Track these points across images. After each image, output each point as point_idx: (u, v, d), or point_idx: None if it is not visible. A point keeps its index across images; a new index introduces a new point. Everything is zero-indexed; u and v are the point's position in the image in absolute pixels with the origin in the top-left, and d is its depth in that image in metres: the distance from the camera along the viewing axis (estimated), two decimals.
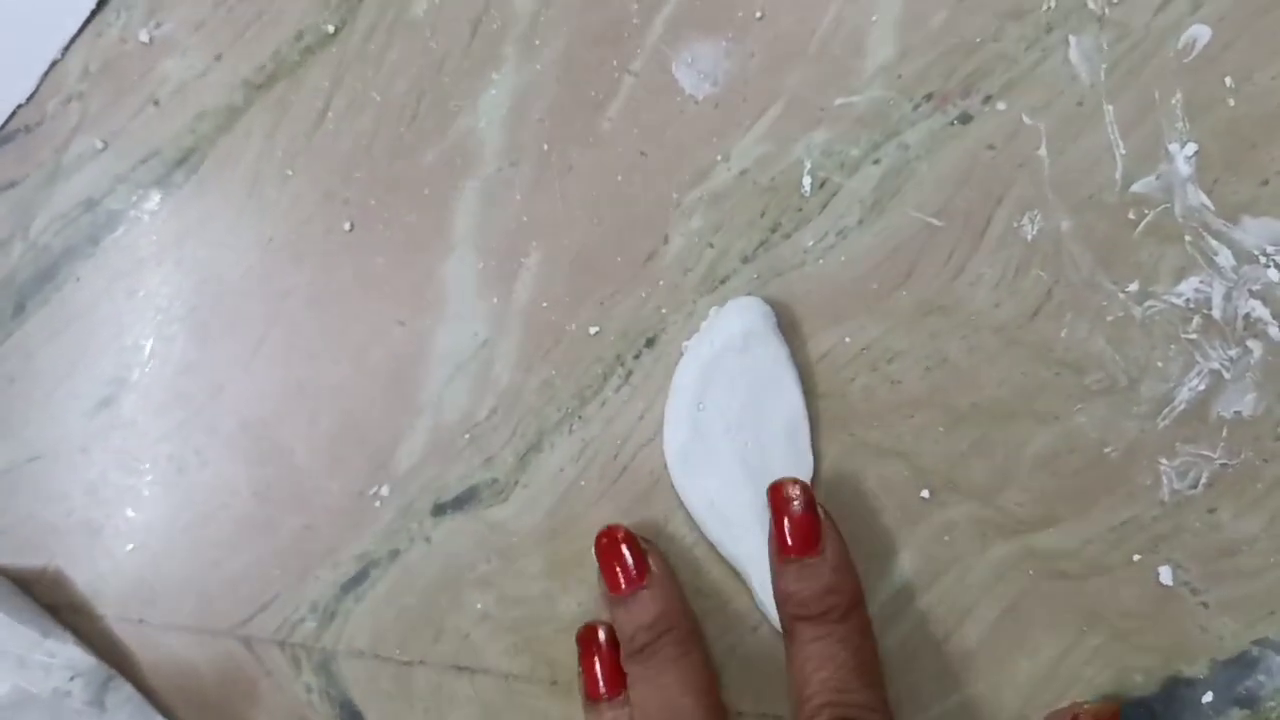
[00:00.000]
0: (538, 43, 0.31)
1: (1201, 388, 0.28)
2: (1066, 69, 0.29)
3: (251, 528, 0.33)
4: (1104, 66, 0.29)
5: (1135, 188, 0.29)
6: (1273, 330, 0.28)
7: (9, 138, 0.34)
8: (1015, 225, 0.29)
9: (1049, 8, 0.29)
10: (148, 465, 0.34)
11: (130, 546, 0.34)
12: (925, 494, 0.29)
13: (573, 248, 0.31)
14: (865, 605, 0.27)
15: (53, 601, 0.34)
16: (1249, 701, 0.28)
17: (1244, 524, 0.28)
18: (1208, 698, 0.28)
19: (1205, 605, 0.28)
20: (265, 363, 0.33)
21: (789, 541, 0.26)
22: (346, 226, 0.32)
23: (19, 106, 0.34)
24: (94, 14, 0.34)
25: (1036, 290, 0.29)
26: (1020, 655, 0.29)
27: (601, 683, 0.28)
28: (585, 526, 0.31)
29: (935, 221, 0.29)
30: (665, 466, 0.30)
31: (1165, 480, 0.28)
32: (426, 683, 0.32)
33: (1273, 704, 0.28)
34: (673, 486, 0.30)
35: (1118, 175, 0.29)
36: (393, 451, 0.32)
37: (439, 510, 0.32)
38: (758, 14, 0.30)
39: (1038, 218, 0.29)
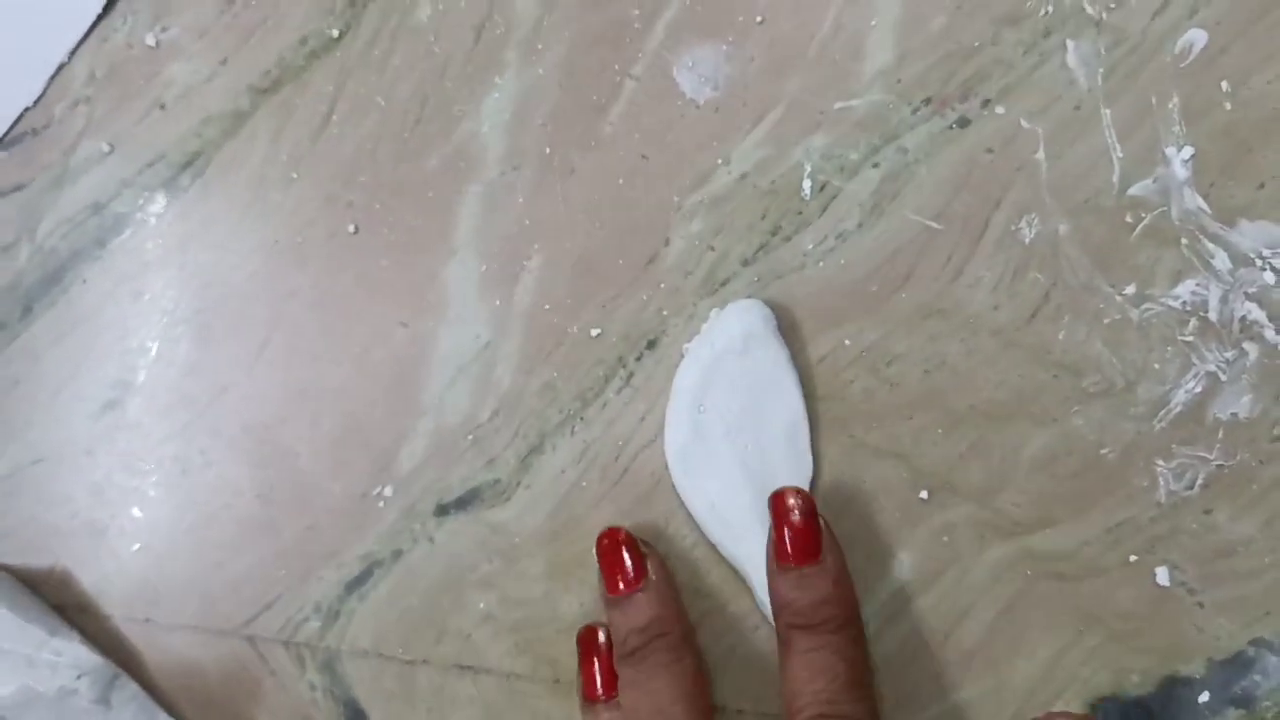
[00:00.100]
0: (540, 47, 0.31)
1: (1198, 390, 0.28)
2: (1064, 73, 0.29)
3: (255, 528, 0.33)
4: (1101, 71, 0.29)
5: (1132, 191, 0.28)
6: (1269, 333, 0.28)
7: (16, 141, 0.34)
8: (1013, 228, 0.29)
9: (1046, 12, 0.29)
10: (152, 466, 0.34)
11: (135, 547, 0.34)
12: (924, 495, 0.29)
13: (574, 251, 0.31)
14: (860, 618, 0.27)
15: (59, 601, 0.34)
16: (1245, 701, 0.28)
17: (1240, 525, 0.28)
18: (1204, 698, 0.28)
19: (1201, 606, 0.28)
20: (269, 365, 0.33)
21: (789, 550, 0.26)
22: (350, 229, 0.32)
23: (26, 110, 0.34)
24: (100, 18, 0.34)
25: (1034, 293, 0.29)
26: (1018, 656, 0.29)
27: (599, 684, 0.28)
28: (587, 528, 0.31)
29: (934, 224, 0.29)
30: (666, 468, 0.30)
31: (1162, 482, 0.28)
32: (429, 682, 0.32)
33: (1268, 704, 0.28)
34: (673, 488, 0.30)
35: (1115, 179, 0.29)
36: (395, 453, 0.32)
37: (441, 511, 0.32)
38: (758, 19, 0.30)
39: (1035, 221, 0.29)
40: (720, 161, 0.30)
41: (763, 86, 0.30)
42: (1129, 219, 0.28)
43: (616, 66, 0.31)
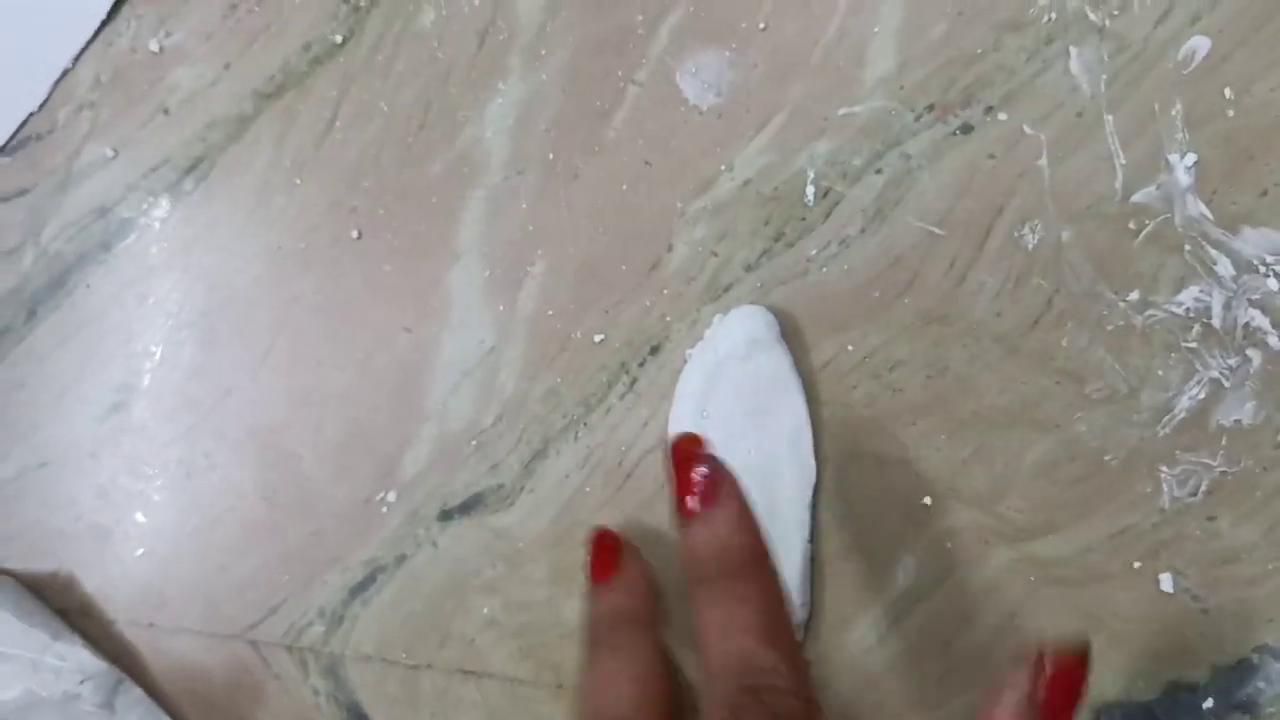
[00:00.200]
0: (544, 53, 0.31)
1: (1201, 396, 0.28)
2: (1067, 80, 0.28)
3: (259, 533, 0.33)
4: (1104, 77, 0.28)
5: (1135, 198, 0.28)
6: (1272, 339, 0.27)
7: (20, 146, 0.34)
8: (1016, 235, 0.29)
9: (1049, 19, 0.29)
10: (157, 470, 0.34)
11: (140, 551, 0.34)
12: (927, 501, 0.29)
13: (578, 256, 0.31)
14: (773, 570, 0.24)
15: (63, 605, 0.34)
16: (1249, 707, 0.27)
17: (1243, 531, 0.27)
18: (1208, 704, 0.28)
19: (1205, 612, 0.28)
20: (273, 369, 0.33)
21: (686, 498, 0.23)
22: (354, 234, 0.32)
23: (30, 115, 0.34)
24: (105, 24, 0.33)
25: (1037, 299, 0.29)
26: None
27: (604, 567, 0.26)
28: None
29: (937, 231, 0.29)
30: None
31: (1165, 488, 0.28)
32: (432, 687, 0.32)
33: (1272, 710, 0.27)
34: None
35: (1118, 185, 0.28)
36: (399, 458, 0.32)
37: (445, 516, 0.32)
38: (761, 25, 0.30)
39: (1038, 227, 0.29)
40: (723, 167, 0.30)
41: (766, 93, 0.30)
42: (1132, 225, 0.28)
43: (620, 72, 0.31)
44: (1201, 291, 0.28)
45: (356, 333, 0.32)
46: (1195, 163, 0.28)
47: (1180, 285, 0.28)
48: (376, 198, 0.32)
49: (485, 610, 0.31)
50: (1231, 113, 0.28)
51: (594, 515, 0.31)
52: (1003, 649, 0.29)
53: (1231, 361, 0.28)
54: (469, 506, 0.31)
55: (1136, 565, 0.28)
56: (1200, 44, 0.28)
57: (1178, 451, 0.28)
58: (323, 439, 0.32)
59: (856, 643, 0.29)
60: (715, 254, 0.30)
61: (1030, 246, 0.29)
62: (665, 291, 0.30)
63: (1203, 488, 0.28)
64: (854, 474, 0.29)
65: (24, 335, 0.34)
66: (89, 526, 0.34)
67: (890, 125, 0.29)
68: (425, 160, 0.32)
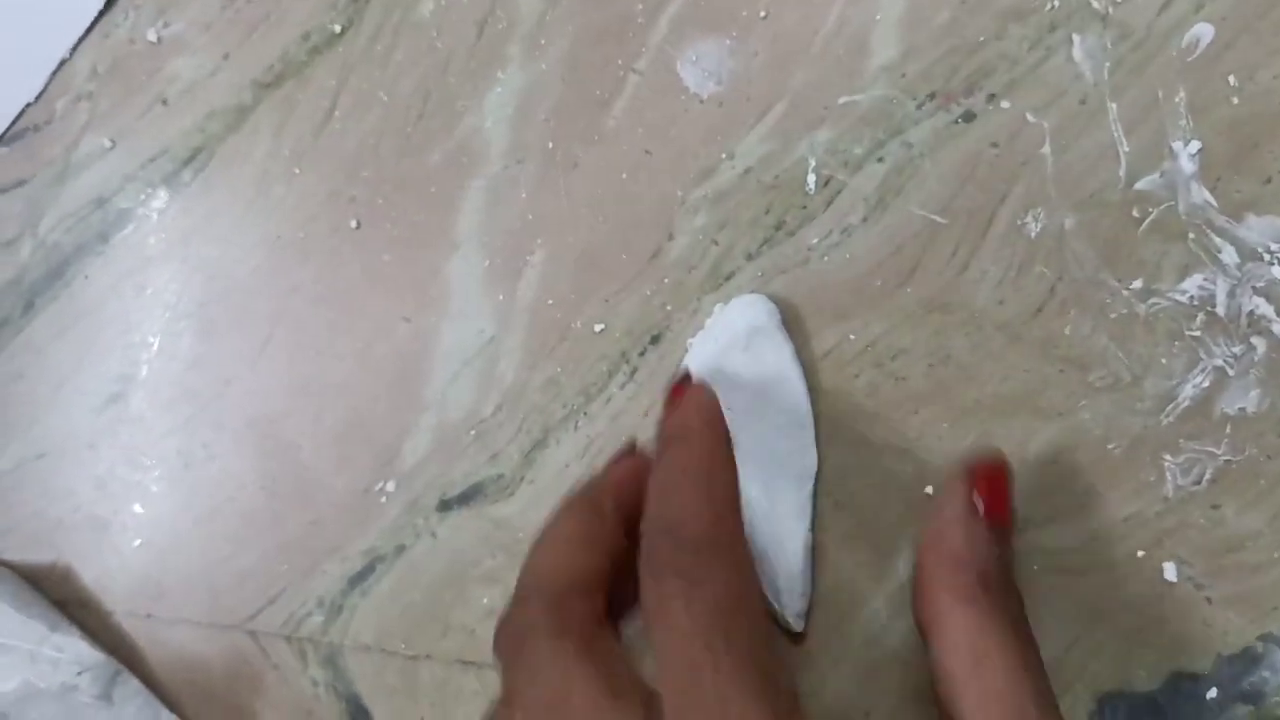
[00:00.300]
0: (543, 42, 0.30)
1: (1205, 384, 0.27)
2: (1070, 67, 0.28)
3: (258, 523, 0.32)
4: (1107, 65, 0.28)
5: (1139, 185, 0.28)
6: (1276, 327, 0.27)
7: (18, 136, 0.33)
8: (1019, 223, 0.28)
9: (1052, 7, 0.28)
10: (155, 461, 0.33)
11: (138, 542, 0.33)
12: (929, 490, 0.28)
13: (578, 245, 0.30)
14: (726, 450, 0.24)
15: (60, 597, 0.33)
16: (1254, 697, 0.27)
17: (1248, 520, 0.27)
18: (1212, 694, 0.27)
19: (1209, 601, 0.27)
20: (271, 359, 0.32)
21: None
22: (353, 224, 0.31)
23: (27, 105, 0.33)
24: (102, 14, 0.33)
25: (1040, 287, 0.28)
26: None
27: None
28: None
29: (939, 219, 0.28)
30: None
31: (1169, 476, 0.27)
32: (432, 678, 0.31)
33: (1277, 699, 0.27)
34: None
35: (1121, 173, 0.28)
36: (398, 448, 0.31)
37: (444, 506, 0.31)
38: (761, 13, 0.29)
39: (1041, 215, 0.28)
40: (724, 156, 0.30)
41: (766, 81, 0.29)
42: (1135, 213, 0.28)
43: (620, 61, 0.30)
44: (1205, 279, 0.27)
45: (356, 322, 0.31)
46: (1199, 150, 0.27)
47: (1184, 273, 0.27)
48: (375, 187, 0.31)
49: (485, 601, 0.30)
50: (1235, 100, 0.27)
51: None
52: None
53: (1236, 349, 0.27)
54: (468, 497, 0.31)
55: (1140, 554, 0.27)
56: (1204, 31, 0.27)
57: (1181, 440, 0.27)
58: (322, 429, 0.32)
59: (858, 632, 0.29)
60: (716, 243, 0.30)
61: (1033, 235, 0.28)
62: (666, 280, 0.30)
63: (1207, 476, 0.27)
64: (856, 463, 0.29)
65: (22, 327, 0.34)
66: (87, 518, 0.33)
67: (892, 113, 0.29)
68: (424, 150, 0.31)
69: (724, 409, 0.28)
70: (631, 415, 0.30)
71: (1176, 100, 0.27)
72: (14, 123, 0.33)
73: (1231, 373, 0.27)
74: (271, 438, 0.32)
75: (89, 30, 0.33)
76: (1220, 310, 0.27)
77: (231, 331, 0.32)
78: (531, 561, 0.23)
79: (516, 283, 0.31)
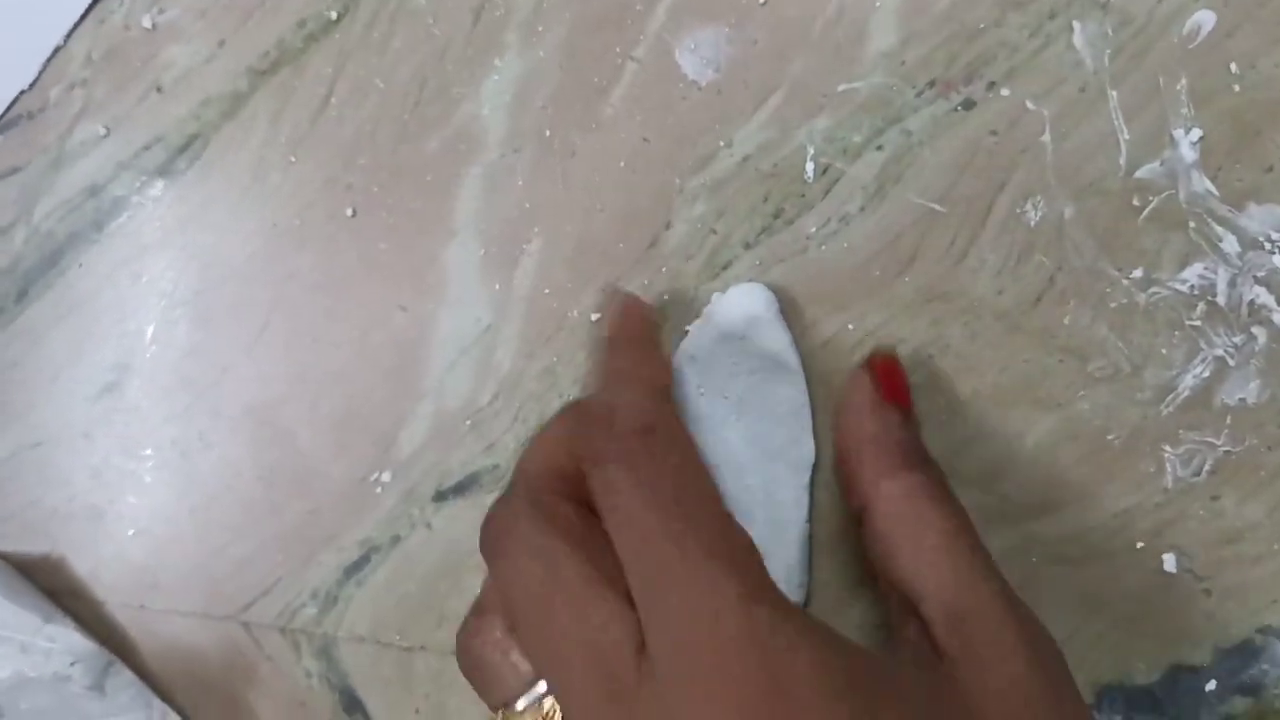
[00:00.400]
0: (540, 29, 0.30)
1: (1205, 375, 0.27)
2: (1070, 55, 0.27)
3: (254, 513, 0.32)
4: (1108, 52, 0.27)
5: (1139, 174, 0.27)
6: (1277, 317, 0.26)
7: (12, 124, 0.33)
8: (1018, 211, 0.28)
9: None
10: (151, 450, 0.32)
11: (132, 531, 0.32)
12: None
13: (575, 234, 0.30)
14: (655, 347, 0.26)
15: (54, 587, 0.32)
16: (1252, 690, 0.26)
17: (1248, 511, 0.26)
18: (1211, 686, 0.26)
19: (1208, 593, 0.27)
20: (268, 348, 0.32)
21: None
22: (349, 212, 0.31)
23: (21, 93, 0.32)
24: (97, 0, 0.32)
25: (1039, 277, 0.28)
26: None
27: None
28: None
29: (938, 208, 0.28)
30: None
31: (1169, 467, 0.27)
32: (427, 669, 0.31)
33: (1276, 692, 0.26)
34: None
35: (1121, 161, 0.27)
36: (395, 437, 0.31)
37: (440, 496, 0.31)
38: (760, 0, 0.29)
39: (1040, 204, 0.28)
40: (722, 144, 0.29)
41: (765, 69, 0.29)
42: (1136, 202, 0.27)
43: (618, 49, 0.30)
44: (1206, 269, 0.27)
45: (352, 310, 0.31)
46: (1200, 138, 0.27)
47: (1184, 262, 0.27)
48: (372, 175, 0.31)
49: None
50: (1237, 88, 0.27)
51: None
52: None
53: (1236, 339, 0.27)
54: (464, 487, 0.30)
55: (1139, 546, 0.27)
56: (1205, 18, 0.27)
57: (1181, 430, 0.27)
58: (318, 418, 0.31)
59: (856, 624, 0.28)
60: (714, 231, 0.29)
61: (1032, 223, 0.28)
62: (663, 269, 0.29)
63: (1206, 467, 0.27)
64: None
65: (16, 315, 0.33)
66: (82, 507, 0.33)
67: (891, 101, 0.28)
68: (421, 137, 0.31)
69: (720, 398, 0.28)
70: None
71: (1177, 88, 0.27)
72: (8, 110, 0.32)
73: (1232, 363, 0.27)
74: (267, 426, 0.32)
75: (84, 17, 0.32)
76: (1221, 300, 0.27)
77: (228, 320, 0.32)
78: (519, 464, 0.23)
79: (513, 271, 0.30)
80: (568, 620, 0.20)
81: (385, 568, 0.31)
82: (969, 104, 0.28)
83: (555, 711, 0.21)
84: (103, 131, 0.32)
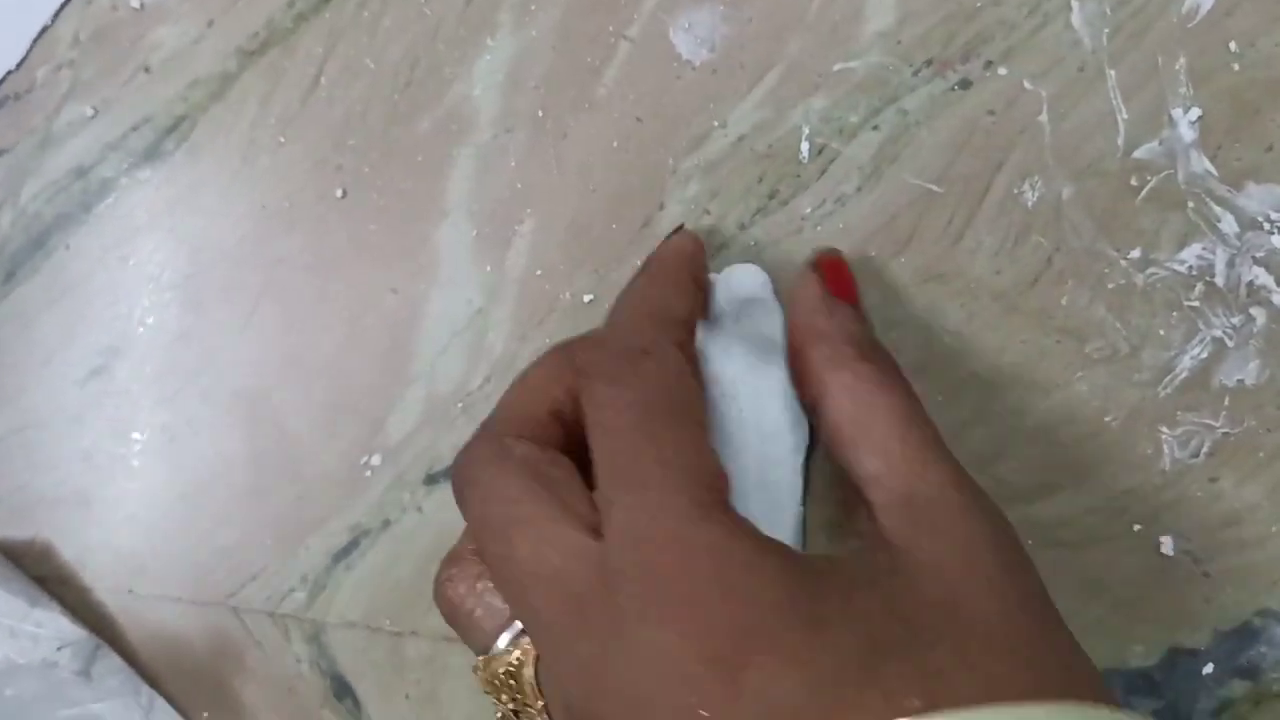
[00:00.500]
0: (533, 8, 0.29)
1: (1204, 356, 0.26)
2: (1068, 34, 0.27)
3: (243, 497, 0.31)
4: (1106, 31, 0.27)
5: (1137, 154, 0.27)
6: (1276, 298, 0.26)
7: None
8: (1015, 192, 0.27)
9: None
10: (139, 435, 0.32)
11: (121, 516, 0.32)
12: None
13: (567, 215, 0.29)
14: (688, 283, 0.26)
15: (41, 573, 0.32)
16: (1250, 673, 0.26)
17: (1246, 493, 0.26)
18: (1209, 669, 0.26)
19: (1207, 575, 0.26)
20: (258, 331, 0.31)
21: None
22: (339, 194, 0.31)
23: (8, 73, 0.32)
24: None
25: (1037, 257, 0.27)
26: None
27: None
28: None
29: (934, 188, 0.28)
30: None
31: (1167, 449, 0.27)
32: (418, 654, 0.30)
33: (1275, 675, 0.26)
34: None
35: (1120, 141, 0.27)
36: (385, 421, 0.30)
37: (431, 480, 0.30)
38: None
39: (1038, 184, 0.27)
40: (716, 124, 0.29)
41: (760, 48, 0.28)
42: (1134, 182, 0.27)
43: (611, 28, 0.29)
44: (1204, 249, 0.26)
45: (343, 293, 0.31)
46: (1199, 117, 0.26)
47: (1183, 243, 0.26)
48: (363, 156, 0.30)
49: None
50: (1236, 67, 0.26)
51: None
52: None
53: (1235, 320, 0.26)
54: None
55: (1137, 528, 0.27)
56: None
57: (1179, 412, 0.26)
58: (308, 401, 0.31)
59: None
60: (708, 212, 0.29)
61: (1030, 204, 0.27)
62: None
63: (1205, 449, 0.26)
64: None
65: (3, 298, 0.32)
66: (71, 492, 0.32)
67: (888, 81, 0.28)
68: (412, 118, 0.30)
69: (716, 378, 0.27)
70: None
71: (1176, 67, 0.27)
72: None
73: (1230, 344, 0.26)
74: (257, 410, 0.31)
75: None
76: (1219, 280, 0.26)
77: (217, 303, 0.31)
78: (493, 410, 0.24)
79: (505, 253, 0.30)
80: (528, 554, 0.20)
81: (375, 552, 0.30)
82: (966, 83, 0.27)
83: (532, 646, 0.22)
84: (90, 112, 0.32)
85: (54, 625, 0.30)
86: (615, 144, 0.29)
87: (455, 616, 0.23)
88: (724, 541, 0.19)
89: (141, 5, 0.31)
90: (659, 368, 0.22)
